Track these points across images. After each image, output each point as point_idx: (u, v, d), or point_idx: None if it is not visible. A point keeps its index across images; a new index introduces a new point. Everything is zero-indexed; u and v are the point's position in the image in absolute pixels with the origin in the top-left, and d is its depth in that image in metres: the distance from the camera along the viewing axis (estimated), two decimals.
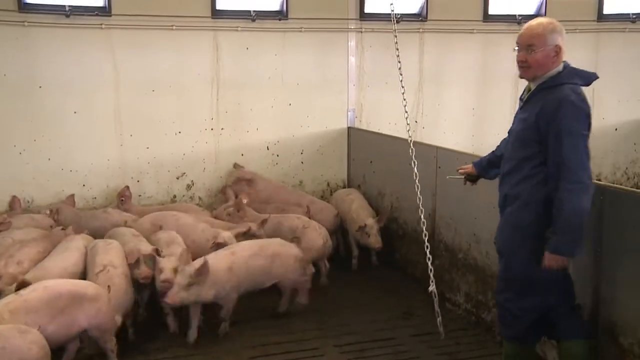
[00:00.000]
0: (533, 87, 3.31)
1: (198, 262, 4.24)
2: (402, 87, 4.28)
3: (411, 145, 4.37)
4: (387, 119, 6.86)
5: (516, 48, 3.32)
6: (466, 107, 7.17)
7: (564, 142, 3.10)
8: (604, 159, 7.84)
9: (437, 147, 5.16)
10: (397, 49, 4.26)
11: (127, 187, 5.89)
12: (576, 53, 7.40)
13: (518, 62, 3.31)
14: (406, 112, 4.35)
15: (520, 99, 3.47)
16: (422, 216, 4.36)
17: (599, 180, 7.19)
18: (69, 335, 3.72)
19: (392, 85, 6.90)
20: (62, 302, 3.62)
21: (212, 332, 4.57)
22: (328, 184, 6.83)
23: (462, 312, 4.84)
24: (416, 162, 4.42)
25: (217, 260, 4.36)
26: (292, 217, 5.55)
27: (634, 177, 8.05)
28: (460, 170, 3.95)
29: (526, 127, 3.26)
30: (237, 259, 4.47)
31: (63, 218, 5.45)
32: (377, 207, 6.11)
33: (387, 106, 6.87)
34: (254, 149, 6.52)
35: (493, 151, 3.77)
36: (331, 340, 4.45)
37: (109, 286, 4.02)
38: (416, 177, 4.40)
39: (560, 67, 3.26)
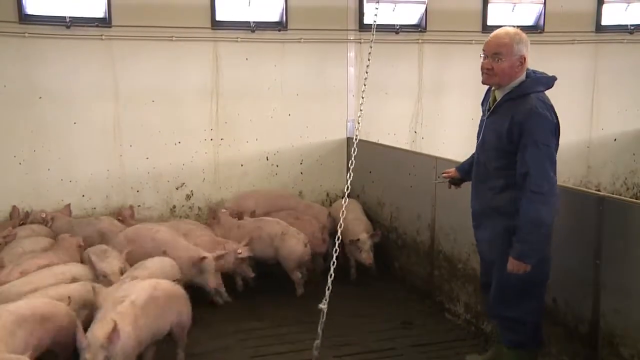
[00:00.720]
0: (499, 96, 3.43)
1: (102, 329, 3.45)
2: (362, 97, 4.32)
3: (355, 142, 4.29)
4: (386, 129, 6.88)
5: (482, 55, 3.43)
6: (465, 117, 7.16)
7: (529, 152, 3.23)
8: (603, 169, 7.86)
9: (437, 158, 5.16)
10: (369, 59, 4.32)
11: (131, 206, 5.99)
12: (575, 64, 7.54)
13: (483, 69, 3.41)
14: (359, 122, 4.35)
15: (487, 108, 3.54)
16: (342, 219, 4.20)
17: (598, 190, 7.21)
18: (37, 353, 3.55)
19: (392, 96, 6.97)
20: (30, 324, 3.49)
21: (212, 343, 4.55)
22: (327, 194, 6.83)
23: (462, 323, 4.83)
24: (353, 160, 4.31)
25: (121, 318, 3.57)
26: (272, 222, 5.54)
27: (634, 188, 8.05)
28: (444, 175, 4.08)
29: (499, 137, 3.36)
30: (138, 309, 3.72)
31: (57, 226, 5.47)
32: (377, 218, 6.12)
33: (387, 117, 6.90)
34: (254, 160, 6.53)
35: (473, 154, 3.84)
36: (331, 350, 4.43)
37: (69, 297, 3.90)
38: (350, 175, 4.23)
39: (523, 76, 3.39)
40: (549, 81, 3.43)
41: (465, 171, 3.91)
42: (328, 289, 3.90)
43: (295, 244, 5.32)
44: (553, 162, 3.28)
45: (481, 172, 3.55)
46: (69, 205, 5.85)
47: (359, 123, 4.32)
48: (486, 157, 3.50)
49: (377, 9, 4.25)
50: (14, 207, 5.72)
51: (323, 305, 3.86)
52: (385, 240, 5.94)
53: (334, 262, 3.95)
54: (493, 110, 3.45)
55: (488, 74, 3.40)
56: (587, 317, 3.68)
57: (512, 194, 3.36)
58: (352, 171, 4.16)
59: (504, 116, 3.34)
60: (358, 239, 5.53)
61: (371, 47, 4.23)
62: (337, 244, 4.04)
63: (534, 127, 3.23)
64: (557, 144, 3.35)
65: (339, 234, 4.07)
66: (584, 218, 3.66)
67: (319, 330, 3.83)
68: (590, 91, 7.66)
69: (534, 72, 3.46)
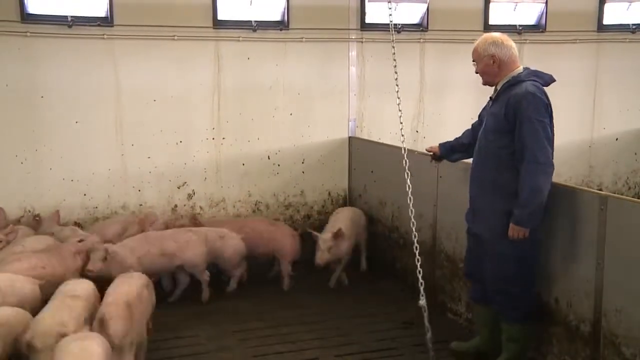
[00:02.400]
0: (499, 87, 3.86)
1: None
2: (398, 97, 4.54)
3: (405, 156, 4.47)
4: (388, 129, 6.87)
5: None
6: (467, 117, 7.06)
7: (524, 128, 3.61)
8: (605, 169, 7.84)
9: None
10: (395, 60, 4.47)
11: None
12: (576, 63, 7.53)
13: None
14: (401, 122, 4.52)
15: (490, 98, 3.98)
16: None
17: (600, 190, 7.20)
18: None
19: (393, 95, 6.92)
20: None
21: (212, 343, 4.56)
22: (329, 194, 6.83)
23: (463, 322, 4.83)
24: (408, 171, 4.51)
25: None
26: (205, 230, 5.55)
27: (635, 187, 8.04)
28: (427, 148, 4.59)
29: (498, 120, 3.76)
30: None
31: (41, 230, 5.44)
32: (378, 217, 6.12)
33: (388, 116, 6.89)
34: (255, 159, 6.53)
35: (457, 138, 4.39)
36: (332, 350, 4.45)
37: None
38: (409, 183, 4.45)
39: (520, 69, 3.82)
40: (545, 76, 3.79)
41: (446, 150, 4.41)
42: (421, 284, 4.19)
43: (237, 243, 5.46)
44: (548, 136, 3.63)
45: (482, 155, 3.90)
46: (58, 211, 5.74)
47: (401, 123, 4.59)
48: (487, 140, 3.86)
49: (390, 8, 4.59)
50: None
51: (422, 302, 4.18)
52: (387, 239, 5.95)
53: (417, 254, 4.25)
54: (495, 99, 3.88)
55: (481, 77, 3.94)
56: (588, 317, 3.68)
57: (512, 174, 3.69)
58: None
59: (502, 101, 3.76)
60: (317, 235, 5.56)
61: (394, 47, 4.60)
62: None
63: (526, 105, 3.61)
64: (552, 125, 3.70)
65: None
66: (586, 218, 3.66)
67: (427, 324, 4.17)
68: (592, 91, 7.65)
69: (533, 70, 3.84)
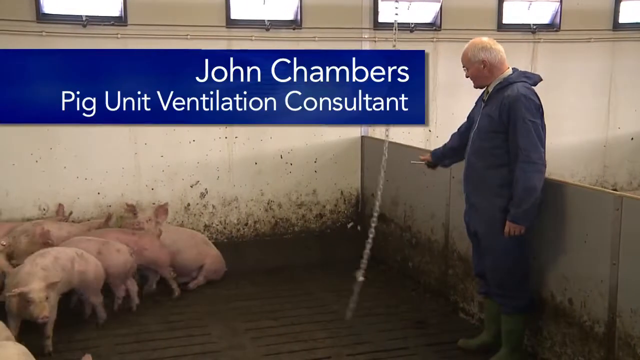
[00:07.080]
0: (491, 89, 3.98)
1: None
2: None
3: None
4: (400, 128, 6.84)
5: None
6: None
7: (518, 129, 3.74)
8: (620, 169, 7.77)
9: None
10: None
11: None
12: (591, 62, 7.47)
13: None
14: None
15: (482, 99, 4.09)
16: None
17: (615, 190, 7.13)
18: None
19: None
20: None
21: (224, 341, 4.57)
22: (342, 193, 6.83)
23: (476, 322, 4.81)
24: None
25: None
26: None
27: None
28: (421, 157, 4.71)
29: (492, 121, 3.89)
30: None
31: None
32: (391, 217, 6.11)
33: None
34: (268, 158, 6.53)
35: (445, 144, 4.53)
36: (344, 349, 4.45)
37: None
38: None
39: (509, 71, 3.95)
40: (534, 77, 3.96)
41: (437, 157, 4.57)
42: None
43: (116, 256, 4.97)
44: (540, 136, 3.75)
45: (476, 154, 4.00)
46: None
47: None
48: (481, 140, 3.97)
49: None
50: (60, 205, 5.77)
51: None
52: (399, 239, 5.93)
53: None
54: (487, 101, 3.99)
55: (472, 82, 4.07)
56: (603, 318, 3.65)
57: (506, 170, 3.83)
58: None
59: (496, 102, 3.88)
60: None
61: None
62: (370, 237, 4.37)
63: (520, 106, 3.74)
64: (544, 125, 3.81)
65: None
66: (600, 218, 3.64)
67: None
68: (607, 90, 7.58)
69: (522, 71, 3.99)
